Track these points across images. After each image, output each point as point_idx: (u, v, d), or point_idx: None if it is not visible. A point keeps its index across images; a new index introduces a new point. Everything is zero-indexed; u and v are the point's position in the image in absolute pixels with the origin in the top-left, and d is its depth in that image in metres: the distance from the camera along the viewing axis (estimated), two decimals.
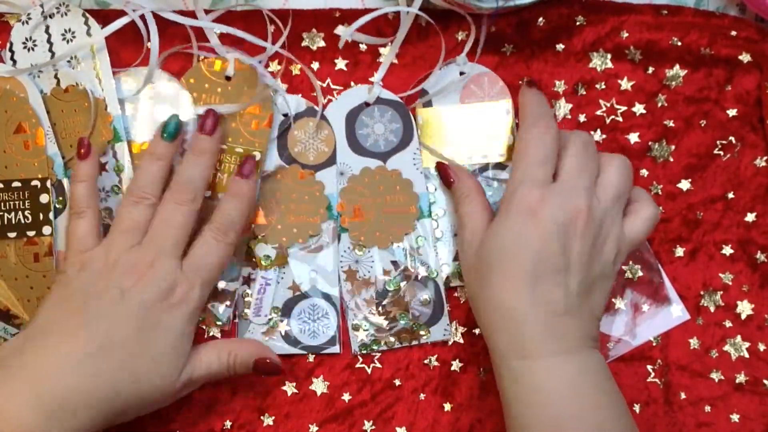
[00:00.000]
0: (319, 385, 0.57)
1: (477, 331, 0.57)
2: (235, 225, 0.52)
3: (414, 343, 0.57)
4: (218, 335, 0.56)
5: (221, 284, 0.56)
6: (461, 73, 0.58)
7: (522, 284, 0.49)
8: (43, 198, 0.55)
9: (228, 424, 0.56)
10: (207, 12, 0.56)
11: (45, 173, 0.55)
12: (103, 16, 0.55)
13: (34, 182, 0.55)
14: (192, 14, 0.56)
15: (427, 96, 0.58)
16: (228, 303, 0.56)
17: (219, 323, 0.56)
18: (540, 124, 0.53)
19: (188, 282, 0.50)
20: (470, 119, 0.58)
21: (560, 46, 0.58)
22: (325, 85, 0.58)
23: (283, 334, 0.56)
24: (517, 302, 0.49)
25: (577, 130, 0.54)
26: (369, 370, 0.57)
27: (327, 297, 0.57)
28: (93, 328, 0.48)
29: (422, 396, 0.57)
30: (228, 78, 0.56)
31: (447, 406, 0.57)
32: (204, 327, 0.56)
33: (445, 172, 0.56)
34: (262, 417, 0.56)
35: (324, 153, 0.57)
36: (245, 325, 0.56)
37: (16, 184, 0.55)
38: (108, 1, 0.56)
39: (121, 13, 0.55)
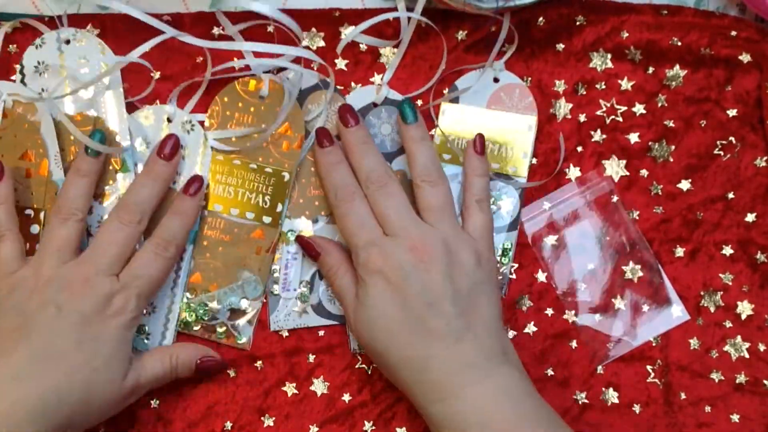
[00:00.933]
0: (319, 386, 0.57)
1: None
2: (177, 240, 0.52)
3: None
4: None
5: (243, 303, 0.56)
6: (495, 80, 0.58)
7: (407, 335, 0.49)
8: (34, 228, 0.54)
9: (228, 424, 0.56)
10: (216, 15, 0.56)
11: (41, 204, 0.54)
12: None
13: (28, 211, 0.54)
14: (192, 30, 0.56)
15: (455, 92, 0.58)
16: (249, 320, 0.56)
17: (240, 342, 0.56)
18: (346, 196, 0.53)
19: (125, 293, 0.50)
20: (492, 126, 0.58)
21: (560, 46, 0.58)
22: None
23: (314, 306, 0.56)
24: (412, 351, 0.49)
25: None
26: (369, 371, 0.57)
27: None
28: (31, 341, 0.48)
29: None
30: (262, 98, 0.56)
31: None
32: (227, 344, 0.56)
33: (308, 246, 0.56)
34: (262, 418, 0.56)
35: None
36: (275, 300, 0.56)
37: None
38: (108, 5, 0.56)
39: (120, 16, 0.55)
